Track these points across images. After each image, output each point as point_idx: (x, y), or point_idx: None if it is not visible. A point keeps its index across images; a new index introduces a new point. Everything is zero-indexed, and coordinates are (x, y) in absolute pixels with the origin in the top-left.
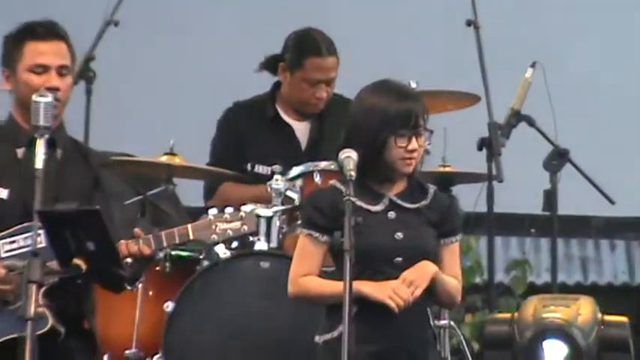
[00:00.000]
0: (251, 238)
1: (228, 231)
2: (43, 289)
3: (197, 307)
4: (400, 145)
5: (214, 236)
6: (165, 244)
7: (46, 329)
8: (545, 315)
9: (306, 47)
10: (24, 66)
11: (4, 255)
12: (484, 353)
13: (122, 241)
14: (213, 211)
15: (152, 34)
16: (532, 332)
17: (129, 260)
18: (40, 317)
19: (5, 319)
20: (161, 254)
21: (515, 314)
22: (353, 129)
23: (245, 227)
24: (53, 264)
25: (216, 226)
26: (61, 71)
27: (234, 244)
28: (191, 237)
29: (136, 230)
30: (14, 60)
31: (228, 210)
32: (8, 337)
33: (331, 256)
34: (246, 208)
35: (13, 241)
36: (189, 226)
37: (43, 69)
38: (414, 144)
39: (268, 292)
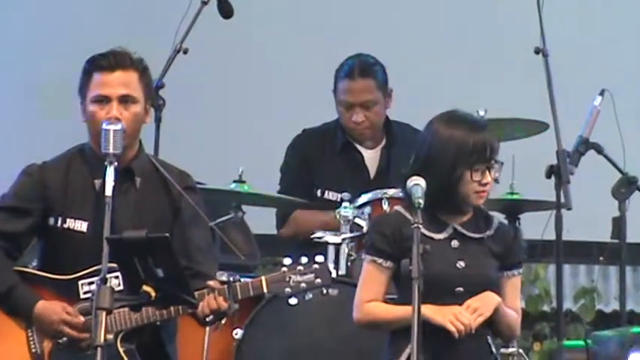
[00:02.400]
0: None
1: (302, 284)
2: (121, 335)
3: (265, 334)
4: (475, 179)
5: (288, 289)
6: (239, 296)
7: None
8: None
9: (340, 71)
10: (89, 98)
11: (82, 296)
12: None
13: (204, 301)
14: (287, 262)
15: (221, 62)
16: (615, 345)
17: (210, 318)
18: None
19: None
20: (236, 306)
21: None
22: (427, 160)
23: (319, 280)
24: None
25: (290, 278)
26: (125, 100)
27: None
28: (265, 290)
29: (210, 283)
30: (84, 92)
31: (303, 260)
32: None
33: (394, 282)
34: (319, 258)
35: (92, 282)
36: (263, 278)
37: (105, 100)
38: (487, 177)
39: (336, 319)
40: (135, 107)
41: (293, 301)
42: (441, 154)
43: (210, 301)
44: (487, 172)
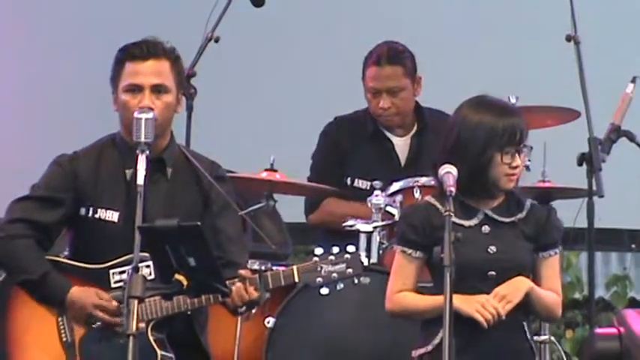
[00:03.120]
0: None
1: (334, 274)
2: (152, 323)
3: (297, 323)
4: (505, 161)
5: (319, 279)
6: (270, 285)
7: None
8: None
9: (368, 58)
10: (122, 87)
11: (114, 285)
12: None
13: (235, 290)
14: (319, 251)
15: (252, 50)
16: None
17: (242, 309)
18: (147, 351)
19: (118, 351)
20: (267, 295)
21: (622, 329)
22: (457, 146)
23: (350, 270)
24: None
25: (321, 268)
26: (157, 89)
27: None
28: (296, 279)
29: (241, 272)
30: (116, 81)
31: (334, 250)
32: None
33: (429, 271)
34: (350, 248)
35: (123, 271)
36: (294, 267)
37: (137, 89)
38: (517, 160)
39: (368, 308)
40: (167, 97)
41: (324, 291)
42: (471, 138)
43: (242, 290)
44: (517, 156)
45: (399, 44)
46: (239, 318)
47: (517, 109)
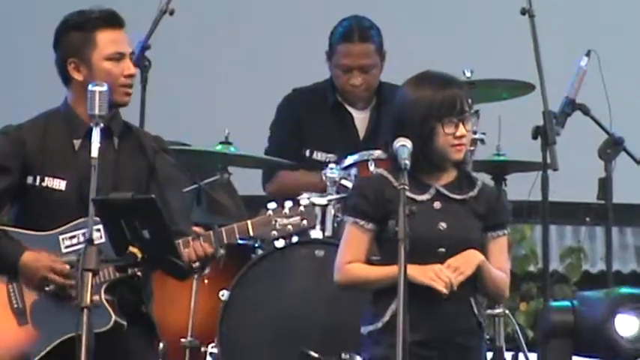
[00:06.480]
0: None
1: (289, 226)
2: (105, 285)
3: (252, 295)
4: (448, 131)
5: (274, 232)
6: (225, 240)
7: (109, 326)
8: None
9: (338, 33)
10: (100, 55)
11: (64, 251)
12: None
13: (188, 247)
14: (272, 206)
15: (207, 22)
16: (602, 305)
17: (196, 264)
18: (100, 311)
19: (70, 316)
20: (222, 251)
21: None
22: (399, 122)
23: (305, 222)
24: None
25: (275, 221)
26: (130, 57)
27: (295, 239)
28: (251, 233)
29: (195, 228)
30: (84, 49)
31: (288, 204)
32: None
33: (377, 243)
34: (304, 201)
35: (73, 236)
36: (249, 222)
37: (122, 57)
38: (461, 130)
39: (323, 280)
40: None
41: (279, 243)
42: (412, 112)
43: (196, 246)
44: (461, 125)
45: (366, 19)
46: (193, 291)
47: (457, 80)
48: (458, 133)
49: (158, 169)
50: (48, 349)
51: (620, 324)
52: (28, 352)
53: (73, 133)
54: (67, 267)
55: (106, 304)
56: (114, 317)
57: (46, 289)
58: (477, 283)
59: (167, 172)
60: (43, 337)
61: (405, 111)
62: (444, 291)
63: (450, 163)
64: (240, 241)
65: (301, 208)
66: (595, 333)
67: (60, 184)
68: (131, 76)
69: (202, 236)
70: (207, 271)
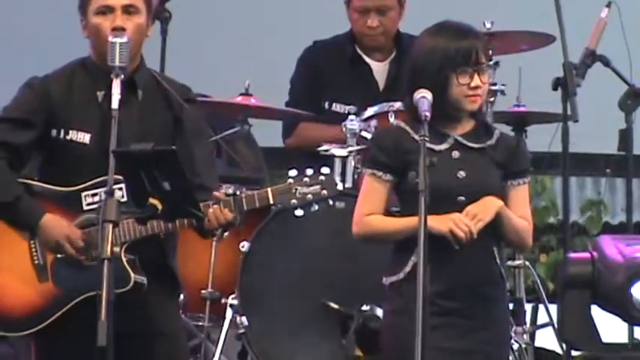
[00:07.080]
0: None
1: (309, 195)
2: (125, 245)
3: (272, 247)
4: (463, 82)
5: (294, 201)
6: (245, 207)
7: (128, 287)
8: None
9: None
10: (92, 10)
11: (86, 208)
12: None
13: (209, 212)
14: (293, 173)
15: None
16: (623, 274)
17: (219, 231)
18: (120, 272)
19: (91, 274)
20: (242, 217)
21: (595, 253)
22: (415, 71)
23: (325, 192)
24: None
25: (296, 190)
26: (128, 10)
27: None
28: (271, 201)
29: (216, 194)
30: (85, 6)
31: (309, 171)
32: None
33: (397, 195)
34: (324, 170)
35: (95, 194)
36: (269, 190)
37: (109, 10)
38: (476, 81)
39: (343, 232)
40: (138, 18)
41: (299, 212)
42: (427, 62)
43: (216, 212)
44: (476, 76)
45: None
46: (213, 243)
47: (474, 31)
48: (473, 84)
49: (184, 121)
50: (67, 307)
51: (638, 292)
52: (46, 309)
53: (97, 85)
54: (82, 243)
55: (126, 265)
56: (133, 278)
57: (59, 256)
58: (498, 231)
59: (193, 125)
60: (63, 295)
61: (420, 60)
62: (455, 245)
63: (465, 113)
64: None
65: (321, 177)
66: (612, 296)
67: (84, 138)
68: (116, 29)
69: (222, 201)
70: (226, 235)
